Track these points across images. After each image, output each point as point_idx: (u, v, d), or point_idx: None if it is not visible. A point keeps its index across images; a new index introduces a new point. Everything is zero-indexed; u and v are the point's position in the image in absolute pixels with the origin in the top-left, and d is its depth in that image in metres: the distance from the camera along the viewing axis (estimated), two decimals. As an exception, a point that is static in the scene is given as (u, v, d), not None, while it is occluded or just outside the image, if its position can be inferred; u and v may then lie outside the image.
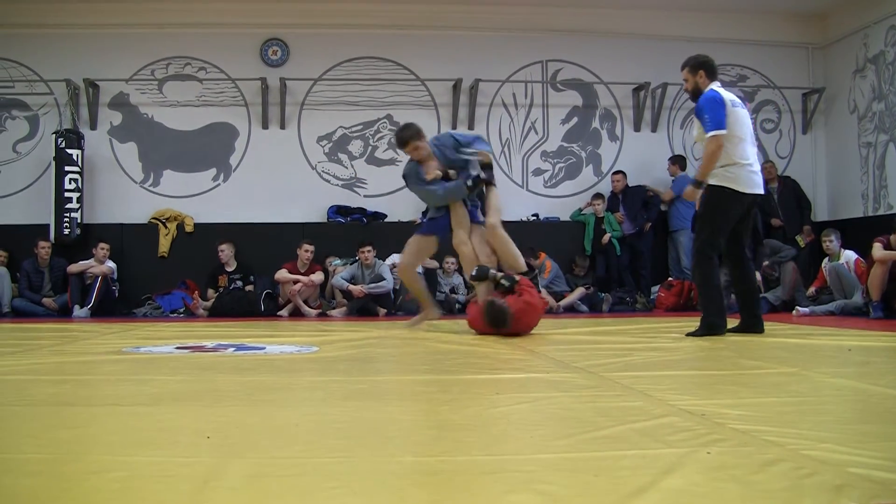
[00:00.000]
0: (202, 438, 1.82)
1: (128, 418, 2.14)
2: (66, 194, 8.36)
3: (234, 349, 3.99)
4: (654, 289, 8.75)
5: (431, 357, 3.75)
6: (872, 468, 1.48)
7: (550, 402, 2.34)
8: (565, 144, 9.46)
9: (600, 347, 3.99)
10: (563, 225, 9.23)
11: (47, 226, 8.35)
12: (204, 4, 8.90)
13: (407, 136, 5.29)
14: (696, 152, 9.07)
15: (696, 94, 4.70)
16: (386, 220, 8.98)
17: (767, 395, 2.45)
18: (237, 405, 2.35)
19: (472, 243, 5.23)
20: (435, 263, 8.29)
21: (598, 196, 9.04)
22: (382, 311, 7.87)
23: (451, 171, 5.22)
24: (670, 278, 8.76)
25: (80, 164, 8.44)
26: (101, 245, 8.08)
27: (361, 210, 8.98)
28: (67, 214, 8.37)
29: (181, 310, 8.06)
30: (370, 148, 9.21)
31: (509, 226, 5.27)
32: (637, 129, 9.52)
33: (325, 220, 8.94)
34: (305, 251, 8.01)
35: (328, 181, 9.13)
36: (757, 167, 4.67)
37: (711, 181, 4.57)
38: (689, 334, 4.58)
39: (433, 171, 5.24)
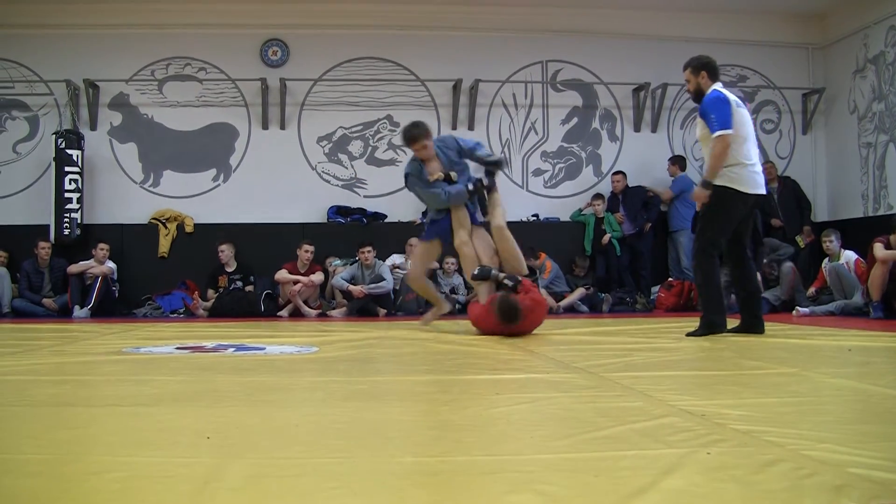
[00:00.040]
0: (202, 439, 1.82)
1: (128, 419, 2.14)
2: (66, 195, 8.35)
3: (234, 350, 3.99)
4: (654, 289, 8.75)
5: (431, 357, 3.75)
6: (872, 468, 1.48)
7: (550, 403, 2.34)
8: (565, 145, 9.46)
9: (600, 348, 3.98)
10: (563, 225, 9.22)
11: (47, 226, 8.34)
12: (204, 5, 8.90)
13: (417, 133, 5.27)
14: (697, 152, 9.09)
15: (698, 94, 4.70)
16: (386, 220, 8.99)
17: (768, 396, 2.45)
18: (237, 406, 2.35)
19: (473, 244, 5.24)
20: (435, 264, 8.28)
21: (598, 196, 9.04)
22: (382, 311, 7.88)
23: (453, 174, 5.24)
24: (670, 279, 8.76)
25: (80, 164, 8.44)
26: (101, 245, 8.08)
27: (361, 210, 8.98)
28: (67, 215, 8.37)
29: (181, 310, 8.06)
30: (370, 148, 9.21)
31: (509, 226, 5.29)
32: (637, 129, 9.52)
33: (325, 221, 8.94)
34: (305, 251, 8.00)
35: (328, 181, 9.13)
36: (759, 167, 4.67)
37: (715, 181, 4.57)
38: (689, 334, 4.58)
39: (437, 172, 5.25)
